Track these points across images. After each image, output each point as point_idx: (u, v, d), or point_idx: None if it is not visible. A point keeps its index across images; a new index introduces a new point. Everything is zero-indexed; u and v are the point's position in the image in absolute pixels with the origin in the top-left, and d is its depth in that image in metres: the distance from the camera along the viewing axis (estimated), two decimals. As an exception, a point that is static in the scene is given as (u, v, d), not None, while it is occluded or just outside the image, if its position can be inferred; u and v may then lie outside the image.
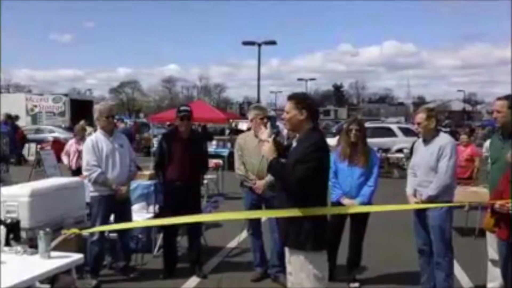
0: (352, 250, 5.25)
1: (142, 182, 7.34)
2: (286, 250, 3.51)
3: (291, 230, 3.32)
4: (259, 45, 28.63)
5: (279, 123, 25.11)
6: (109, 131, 5.44)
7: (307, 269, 3.29)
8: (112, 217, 5.46)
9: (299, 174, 3.20)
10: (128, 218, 5.50)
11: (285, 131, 5.99)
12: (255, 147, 5.24)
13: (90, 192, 5.38)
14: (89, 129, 8.82)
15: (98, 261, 5.35)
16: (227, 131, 21.16)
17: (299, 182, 3.21)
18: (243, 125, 23.84)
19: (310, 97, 3.61)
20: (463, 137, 9.88)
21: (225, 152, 16.23)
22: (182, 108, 5.71)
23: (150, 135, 21.01)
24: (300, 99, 3.43)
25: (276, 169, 3.35)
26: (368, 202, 5.09)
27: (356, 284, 5.19)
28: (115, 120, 5.90)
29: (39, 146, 16.66)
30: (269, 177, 5.08)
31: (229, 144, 18.34)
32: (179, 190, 5.44)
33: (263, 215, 5.61)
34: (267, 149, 3.39)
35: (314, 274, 3.29)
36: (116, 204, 5.34)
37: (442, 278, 4.59)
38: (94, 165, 5.25)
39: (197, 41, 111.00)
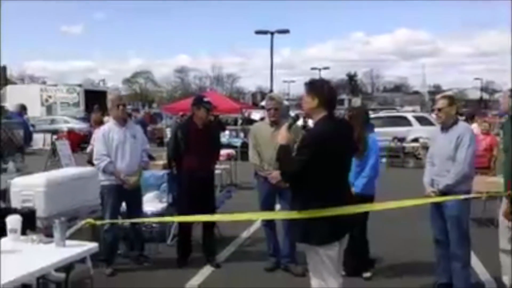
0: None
1: (156, 172, 7.35)
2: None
3: (298, 224, 3.26)
4: (272, 34, 28.46)
5: (292, 113, 25.03)
6: (121, 121, 5.46)
7: (316, 262, 3.24)
8: (124, 206, 5.52)
9: (289, 167, 3.15)
10: (139, 208, 5.55)
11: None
12: (270, 136, 5.21)
13: (101, 181, 5.43)
14: (106, 118, 8.89)
15: (112, 249, 5.39)
16: (240, 121, 21.16)
17: (289, 174, 3.18)
18: (256, 114, 23.86)
19: (326, 84, 3.40)
20: (485, 126, 9.67)
21: (238, 142, 16.22)
22: (207, 99, 5.73)
23: (163, 126, 21.10)
24: (313, 86, 3.31)
25: (280, 157, 3.24)
26: (362, 193, 4.86)
27: (368, 274, 5.14)
28: (129, 110, 5.89)
29: (54, 136, 16.83)
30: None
31: (242, 134, 18.36)
32: (195, 179, 5.44)
33: (276, 217, 5.58)
34: (281, 135, 3.30)
35: (325, 268, 3.22)
36: (126, 193, 5.37)
37: (459, 269, 4.52)
38: (104, 154, 5.32)
39: (209, 31, 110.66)
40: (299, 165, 3.09)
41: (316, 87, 3.31)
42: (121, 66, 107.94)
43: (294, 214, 3.27)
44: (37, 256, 3.13)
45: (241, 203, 6.93)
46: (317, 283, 3.25)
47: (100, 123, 8.27)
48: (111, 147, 5.34)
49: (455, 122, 4.57)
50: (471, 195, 4.49)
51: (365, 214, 4.98)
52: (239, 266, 5.55)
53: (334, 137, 3.18)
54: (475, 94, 73.15)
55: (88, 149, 9.00)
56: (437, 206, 4.61)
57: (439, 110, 4.57)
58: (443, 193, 4.48)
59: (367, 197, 4.81)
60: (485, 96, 74.74)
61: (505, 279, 4.68)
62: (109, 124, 5.55)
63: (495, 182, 7.19)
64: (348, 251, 4.84)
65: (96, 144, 5.47)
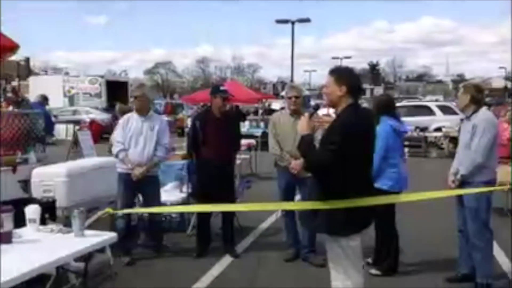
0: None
1: (176, 162, 7.37)
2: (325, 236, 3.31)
3: (321, 215, 3.17)
4: (293, 23, 28.22)
5: (312, 103, 24.87)
6: (141, 111, 5.45)
7: (339, 254, 3.18)
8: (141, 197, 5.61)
9: (319, 157, 3.04)
10: (156, 200, 5.46)
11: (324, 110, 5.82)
12: (290, 126, 5.15)
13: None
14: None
15: (126, 237, 5.32)
16: (260, 111, 21.10)
17: (317, 164, 3.06)
18: (276, 104, 23.77)
19: (352, 72, 3.39)
20: (509, 115, 9.46)
21: (258, 132, 16.17)
22: (223, 88, 5.69)
23: (184, 116, 21.17)
24: (340, 74, 3.23)
25: (303, 146, 3.15)
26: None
27: (375, 271, 4.95)
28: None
29: (76, 127, 17.05)
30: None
31: (262, 124, 18.31)
32: (213, 169, 5.43)
33: (299, 207, 5.51)
34: (301, 124, 3.22)
35: (348, 259, 3.16)
36: (141, 184, 5.37)
37: (479, 259, 4.46)
38: (119, 141, 5.41)
39: (230, 21, 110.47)
40: (332, 155, 2.99)
41: (344, 75, 3.23)
42: (143, 56, 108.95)
43: (318, 205, 3.19)
44: (56, 246, 3.15)
45: (260, 193, 6.91)
46: (338, 274, 3.20)
47: (125, 113, 8.31)
48: (126, 135, 5.40)
49: (476, 110, 4.49)
50: (492, 188, 4.37)
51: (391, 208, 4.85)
52: (258, 257, 5.54)
53: (362, 126, 3.16)
54: (499, 83, 71.49)
55: (111, 138, 9.09)
56: (460, 197, 4.55)
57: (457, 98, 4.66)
58: (460, 183, 4.44)
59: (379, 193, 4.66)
60: (510, 85, 73.00)
61: None
62: (132, 113, 5.58)
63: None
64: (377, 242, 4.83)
65: (115, 132, 5.64)
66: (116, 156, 5.42)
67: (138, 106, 5.48)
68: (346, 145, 2.99)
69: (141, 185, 5.39)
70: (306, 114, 3.30)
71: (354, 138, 3.04)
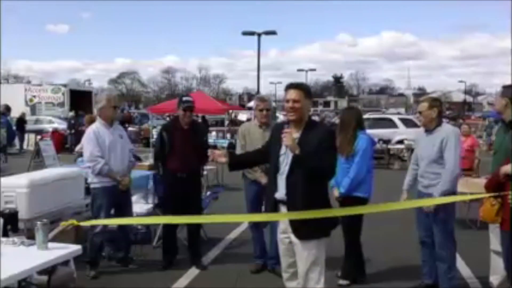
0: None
1: (142, 172, 7.29)
2: (298, 241, 3.45)
3: (305, 222, 3.33)
4: (259, 35, 28.40)
5: (278, 114, 25.04)
6: (110, 122, 5.37)
7: (318, 255, 3.43)
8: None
9: (332, 160, 3.40)
10: (129, 209, 5.48)
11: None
12: (259, 137, 5.15)
13: (92, 183, 5.27)
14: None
15: (99, 253, 5.31)
16: (227, 122, 21.13)
17: (331, 168, 3.40)
18: (242, 116, 23.85)
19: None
20: (465, 128, 9.86)
21: (224, 143, 16.19)
22: (185, 99, 5.62)
23: (149, 126, 20.99)
24: (308, 89, 3.53)
25: (311, 161, 3.29)
26: (347, 193, 4.82)
27: (345, 282, 5.00)
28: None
29: (38, 136, 16.63)
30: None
31: (228, 135, 18.34)
32: (180, 180, 5.39)
33: (266, 219, 5.53)
34: (293, 145, 3.29)
35: (322, 259, 3.47)
36: (119, 195, 5.28)
37: (444, 270, 4.54)
38: (98, 156, 5.13)
39: (196, 32, 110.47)
40: (335, 157, 3.52)
41: (309, 89, 3.56)
42: (108, 66, 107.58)
43: (291, 215, 3.41)
44: (19, 258, 3.06)
45: (227, 205, 6.90)
46: (315, 275, 3.44)
47: (92, 122, 8.15)
48: (103, 148, 5.18)
49: (439, 124, 4.60)
50: (458, 198, 4.50)
51: (360, 217, 4.94)
52: (225, 268, 5.51)
53: None
54: (459, 97, 73.79)
55: (77, 148, 8.89)
56: (423, 208, 4.60)
57: (420, 113, 4.69)
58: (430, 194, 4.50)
59: (359, 200, 4.78)
60: (469, 98, 75.48)
61: (494, 278, 4.69)
62: (97, 124, 5.34)
63: (479, 183, 7.25)
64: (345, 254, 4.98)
65: (88, 146, 5.20)
66: (100, 172, 5.12)
67: (115, 116, 5.45)
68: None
69: (119, 195, 5.28)
70: (294, 134, 3.38)
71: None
